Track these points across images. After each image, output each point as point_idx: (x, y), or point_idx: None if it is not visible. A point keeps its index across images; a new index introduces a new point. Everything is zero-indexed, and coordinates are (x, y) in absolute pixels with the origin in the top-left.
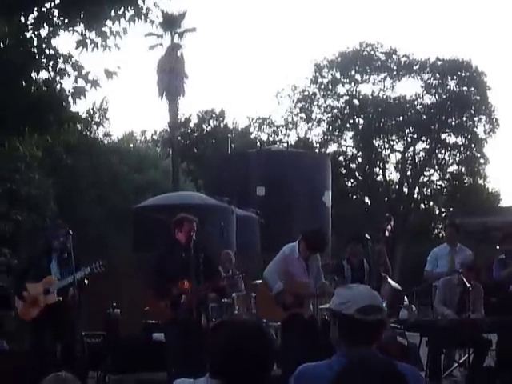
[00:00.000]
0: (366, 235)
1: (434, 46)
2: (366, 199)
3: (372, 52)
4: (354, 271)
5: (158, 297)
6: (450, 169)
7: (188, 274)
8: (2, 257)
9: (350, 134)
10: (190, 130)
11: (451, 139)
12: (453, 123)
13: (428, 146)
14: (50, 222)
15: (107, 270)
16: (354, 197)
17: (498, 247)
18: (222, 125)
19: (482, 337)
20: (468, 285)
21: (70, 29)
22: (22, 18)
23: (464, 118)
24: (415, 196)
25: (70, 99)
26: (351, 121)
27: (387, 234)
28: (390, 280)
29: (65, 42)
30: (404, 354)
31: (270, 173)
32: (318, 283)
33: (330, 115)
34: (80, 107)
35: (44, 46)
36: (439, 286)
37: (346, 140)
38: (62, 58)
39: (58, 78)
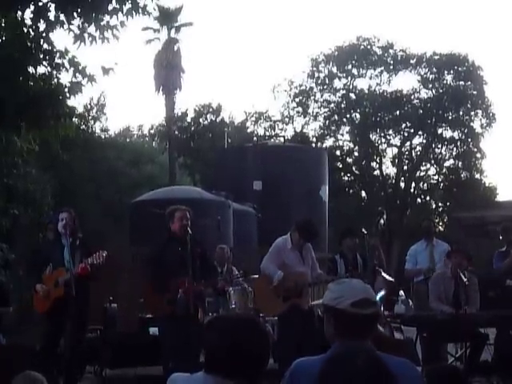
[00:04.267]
0: (363, 230)
1: (431, 41)
2: (363, 193)
3: (369, 46)
4: (347, 266)
5: (157, 290)
6: (447, 163)
7: (185, 268)
8: None
9: (347, 128)
10: (186, 125)
11: (448, 134)
12: (449, 118)
13: (425, 141)
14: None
15: (104, 264)
16: (351, 191)
17: (500, 237)
18: (218, 119)
19: (479, 331)
20: (465, 279)
21: (67, 23)
22: (19, 13)
23: (461, 113)
24: (412, 190)
25: (67, 94)
26: (348, 115)
27: (380, 227)
28: (383, 273)
29: (62, 36)
30: (400, 348)
31: (266, 167)
32: (315, 273)
33: (326, 110)
34: (77, 102)
35: (41, 40)
36: (432, 281)
37: (342, 134)
38: (58, 53)
39: (55, 72)
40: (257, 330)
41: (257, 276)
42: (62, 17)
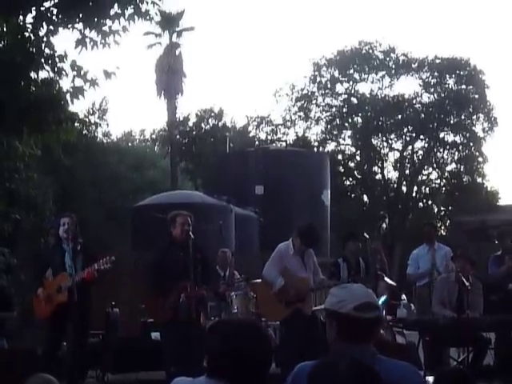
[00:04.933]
0: (365, 234)
1: (433, 45)
2: (365, 198)
3: (370, 51)
4: (350, 270)
5: (158, 296)
6: (449, 167)
7: (187, 273)
8: (1, 256)
9: (349, 132)
10: (188, 129)
11: (450, 138)
12: (451, 122)
13: (426, 145)
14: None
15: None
16: (353, 195)
17: (496, 242)
18: (220, 124)
19: (482, 335)
20: (467, 283)
21: (69, 28)
22: (21, 18)
23: (462, 117)
24: (414, 195)
25: (68, 98)
26: (350, 119)
27: (382, 231)
28: (385, 278)
29: (64, 41)
30: (402, 352)
31: (268, 172)
32: (317, 278)
33: (328, 114)
34: (79, 107)
35: (43, 45)
36: (436, 285)
37: (344, 139)
38: (59, 58)
39: (56, 77)
40: (259, 334)
41: (259, 280)
42: (64, 21)
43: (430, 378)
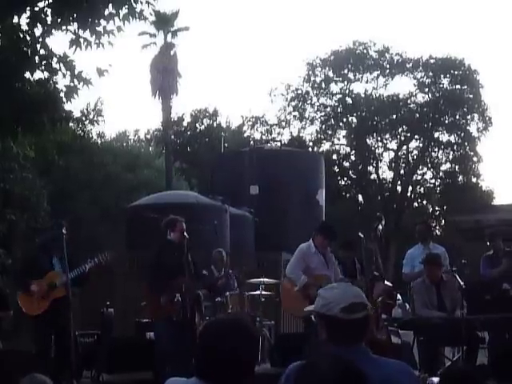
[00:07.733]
0: (360, 234)
1: (427, 45)
2: (360, 198)
3: (365, 50)
4: (346, 271)
5: (157, 293)
6: (444, 167)
7: (182, 272)
8: None
9: (343, 132)
10: (183, 129)
11: (444, 137)
12: (446, 121)
13: (421, 145)
14: (53, 223)
15: (101, 269)
16: (348, 195)
17: (488, 243)
18: (215, 124)
19: (476, 334)
20: (461, 282)
21: (63, 28)
22: (16, 18)
23: (457, 117)
24: (409, 194)
25: (63, 98)
26: (344, 119)
27: (378, 232)
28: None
29: (58, 41)
30: (397, 352)
31: (263, 171)
32: (338, 277)
33: (323, 114)
34: (74, 107)
35: (38, 45)
36: (414, 291)
37: (339, 138)
38: (55, 58)
39: (51, 77)
40: (246, 333)
41: (254, 280)
42: (58, 21)
43: (435, 379)
